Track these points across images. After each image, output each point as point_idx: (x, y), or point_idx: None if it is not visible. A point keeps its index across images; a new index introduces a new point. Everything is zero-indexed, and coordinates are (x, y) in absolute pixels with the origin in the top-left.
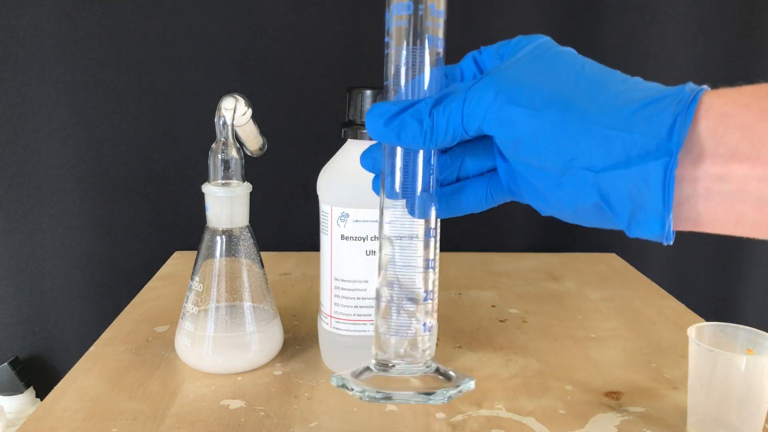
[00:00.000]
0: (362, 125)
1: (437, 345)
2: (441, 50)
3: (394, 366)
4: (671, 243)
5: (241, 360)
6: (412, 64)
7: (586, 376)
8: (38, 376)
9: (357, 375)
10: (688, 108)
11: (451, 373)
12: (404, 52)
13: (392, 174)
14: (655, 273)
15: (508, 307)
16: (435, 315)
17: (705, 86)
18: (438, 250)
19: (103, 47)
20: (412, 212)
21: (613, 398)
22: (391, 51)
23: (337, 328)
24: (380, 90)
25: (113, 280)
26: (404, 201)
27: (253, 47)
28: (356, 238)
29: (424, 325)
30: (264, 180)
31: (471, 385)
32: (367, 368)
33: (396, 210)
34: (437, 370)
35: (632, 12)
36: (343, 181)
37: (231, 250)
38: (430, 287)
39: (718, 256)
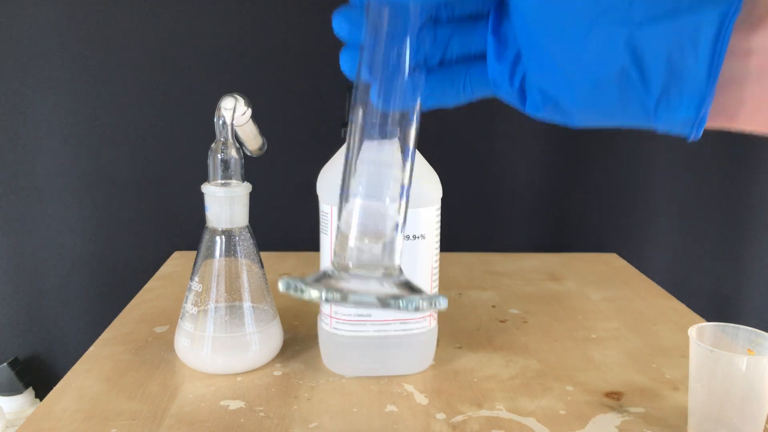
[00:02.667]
0: None
1: (437, 345)
2: None
3: (356, 271)
4: (697, 138)
5: (241, 360)
6: None
7: (587, 376)
8: (38, 376)
9: (313, 280)
10: None
11: (422, 288)
12: None
13: (374, 45)
14: (655, 273)
15: (508, 307)
16: (404, 215)
17: None
18: (416, 138)
19: (103, 47)
20: (389, 96)
21: (614, 399)
22: None
23: (337, 329)
24: None
25: (112, 280)
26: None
27: (253, 47)
28: None
29: (396, 224)
30: (264, 180)
31: (443, 302)
32: (325, 274)
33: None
34: (406, 284)
35: None
36: None
37: (230, 250)
38: (407, 181)
39: (718, 256)
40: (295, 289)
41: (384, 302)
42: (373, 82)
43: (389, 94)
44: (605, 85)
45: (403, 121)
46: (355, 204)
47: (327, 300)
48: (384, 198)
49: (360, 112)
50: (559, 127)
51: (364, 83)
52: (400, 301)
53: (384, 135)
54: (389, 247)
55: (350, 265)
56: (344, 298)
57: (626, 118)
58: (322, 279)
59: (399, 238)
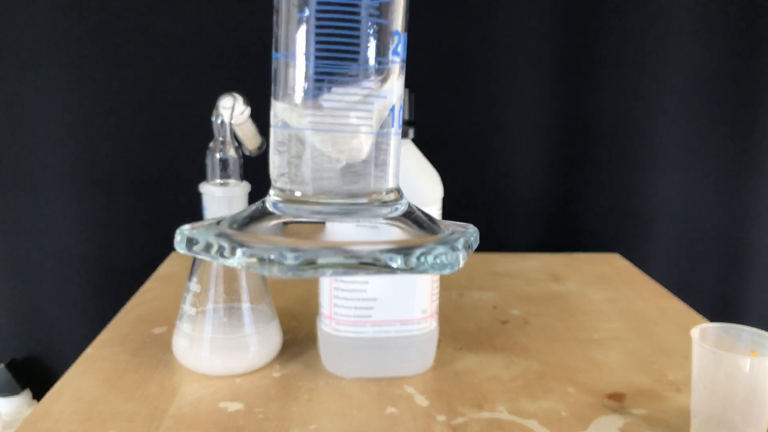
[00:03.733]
0: None
1: (437, 347)
2: None
3: (319, 202)
4: None
5: (240, 362)
6: None
7: (589, 377)
8: (35, 377)
9: (242, 225)
10: None
11: (432, 221)
12: None
13: None
14: (658, 273)
15: (509, 308)
16: (399, 94)
17: None
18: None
19: (100, 47)
20: None
21: (616, 400)
22: None
23: (337, 330)
24: None
25: (110, 281)
26: None
27: (251, 46)
28: None
29: (392, 109)
30: (263, 180)
31: (474, 236)
32: (264, 211)
33: None
34: (409, 215)
35: (634, 10)
36: None
37: None
38: (400, 27)
39: (721, 257)
40: (206, 248)
41: (375, 266)
42: None
43: None
44: None
45: None
46: (304, 75)
47: (278, 275)
48: (354, 61)
49: None
50: (559, 126)
51: None
52: (409, 260)
53: None
54: (375, 155)
55: (310, 191)
56: (310, 266)
57: None
58: (260, 221)
59: (393, 135)
